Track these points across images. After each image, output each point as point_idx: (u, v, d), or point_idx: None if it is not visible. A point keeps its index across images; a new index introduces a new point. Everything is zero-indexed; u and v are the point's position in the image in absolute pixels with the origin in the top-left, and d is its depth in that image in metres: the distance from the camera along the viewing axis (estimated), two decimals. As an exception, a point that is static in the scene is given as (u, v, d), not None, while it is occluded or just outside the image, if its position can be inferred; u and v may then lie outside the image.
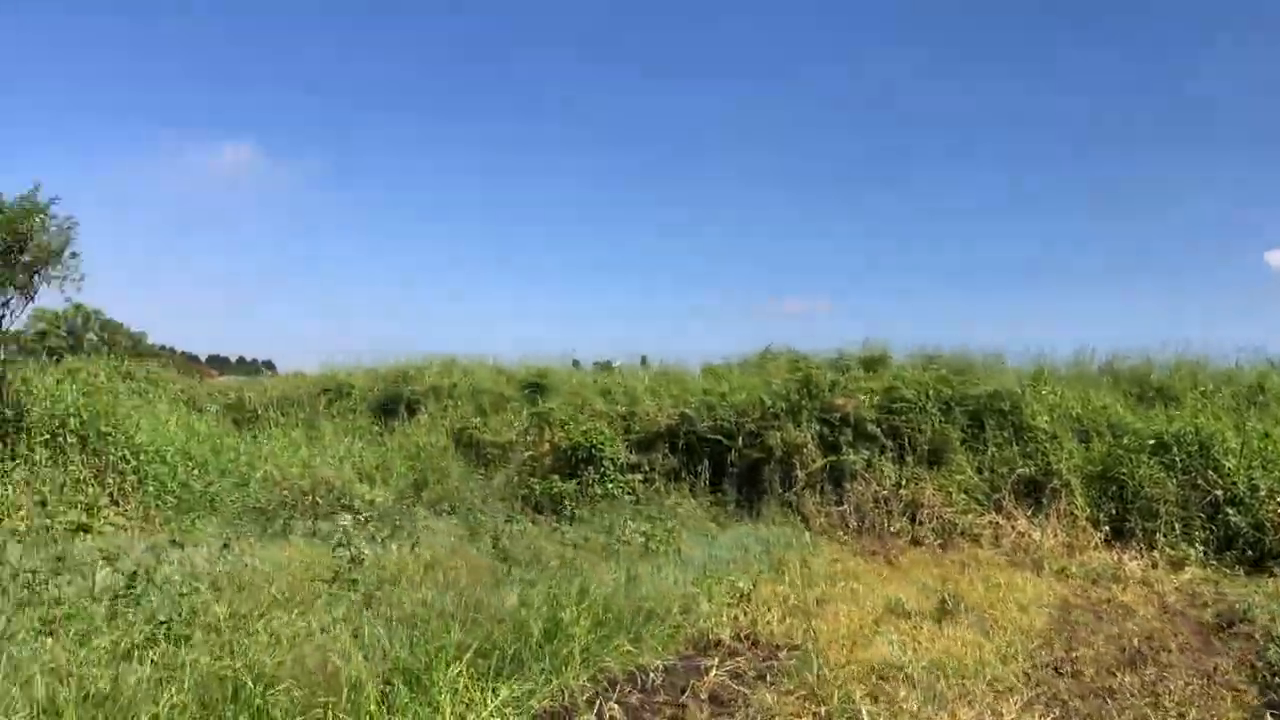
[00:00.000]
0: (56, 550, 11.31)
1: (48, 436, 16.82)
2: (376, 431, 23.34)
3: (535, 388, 23.56)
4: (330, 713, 5.51)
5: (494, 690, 7.10)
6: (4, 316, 17.17)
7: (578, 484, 18.65)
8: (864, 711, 7.29)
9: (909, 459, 18.92)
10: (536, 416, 20.71)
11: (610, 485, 18.61)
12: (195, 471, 17.94)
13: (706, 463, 19.43)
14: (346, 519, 16.65)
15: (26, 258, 16.51)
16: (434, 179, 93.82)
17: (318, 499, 18.22)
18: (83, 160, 79.90)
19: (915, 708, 7.48)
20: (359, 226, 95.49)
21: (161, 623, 6.39)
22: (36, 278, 16.73)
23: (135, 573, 8.41)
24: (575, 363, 30.86)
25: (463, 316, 74.20)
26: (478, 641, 7.47)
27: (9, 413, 16.85)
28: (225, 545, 11.71)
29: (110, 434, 17.19)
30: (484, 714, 6.84)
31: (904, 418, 19.31)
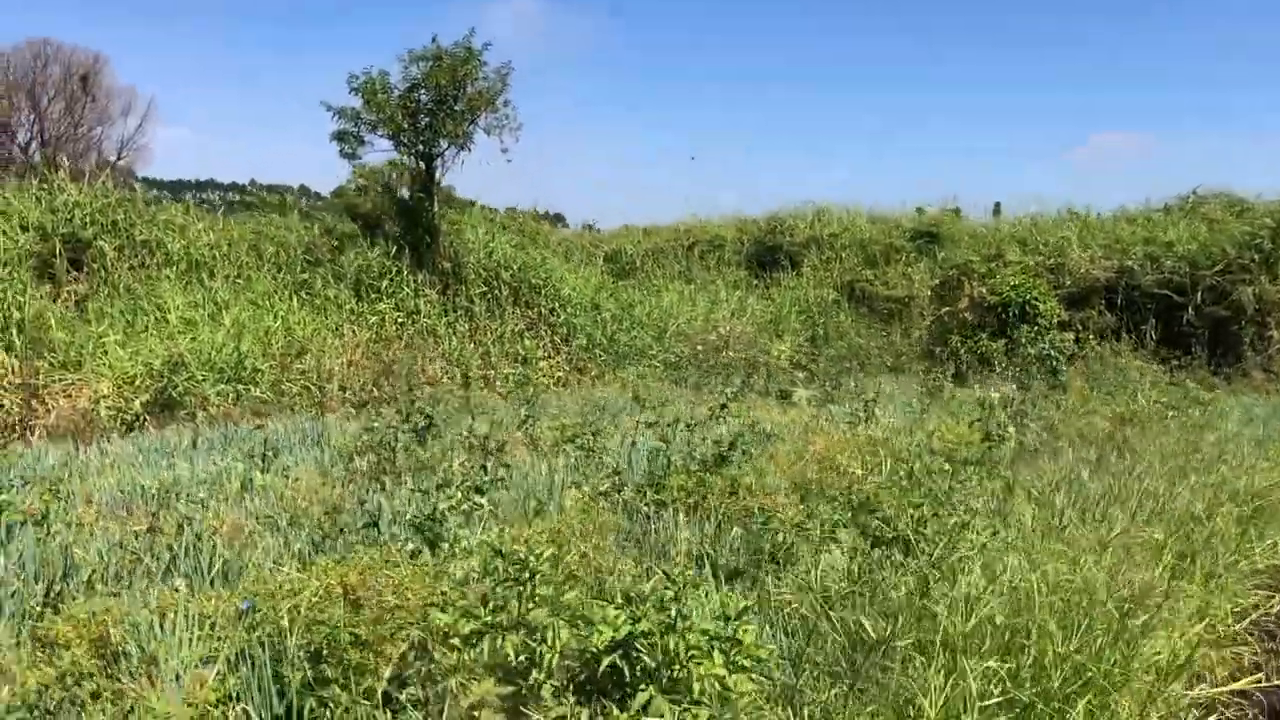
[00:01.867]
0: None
1: (484, 289, 17.08)
2: (757, 285, 22.67)
3: (929, 237, 21.95)
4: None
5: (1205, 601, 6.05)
6: (439, 169, 17.29)
7: (1007, 342, 17.17)
8: None
9: None
10: (953, 269, 19.12)
11: (1044, 344, 16.95)
12: (619, 324, 17.86)
13: (1153, 321, 17.34)
14: (799, 377, 16.18)
15: (460, 106, 16.27)
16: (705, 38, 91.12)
17: (730, 353, 17.82)
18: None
19: None
20: (633, 81, 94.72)
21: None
22: (472, 126, 16.48)
23: (735, 440, 7.90)
24: (919, 210, 28.97)
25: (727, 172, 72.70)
26: (1176, 542, 6.40)
27: (447, 265, 17.17)
28: (724, 406, 11.27)
29: (540, 286, 17.27)
30: (1196, 632, 5.80)
31: None
